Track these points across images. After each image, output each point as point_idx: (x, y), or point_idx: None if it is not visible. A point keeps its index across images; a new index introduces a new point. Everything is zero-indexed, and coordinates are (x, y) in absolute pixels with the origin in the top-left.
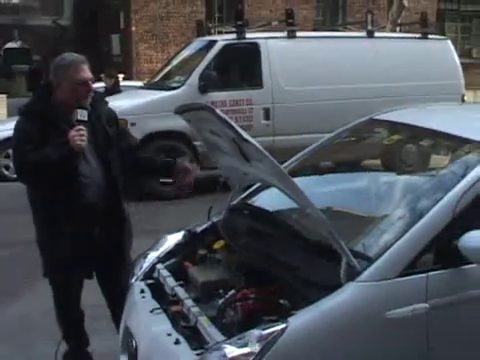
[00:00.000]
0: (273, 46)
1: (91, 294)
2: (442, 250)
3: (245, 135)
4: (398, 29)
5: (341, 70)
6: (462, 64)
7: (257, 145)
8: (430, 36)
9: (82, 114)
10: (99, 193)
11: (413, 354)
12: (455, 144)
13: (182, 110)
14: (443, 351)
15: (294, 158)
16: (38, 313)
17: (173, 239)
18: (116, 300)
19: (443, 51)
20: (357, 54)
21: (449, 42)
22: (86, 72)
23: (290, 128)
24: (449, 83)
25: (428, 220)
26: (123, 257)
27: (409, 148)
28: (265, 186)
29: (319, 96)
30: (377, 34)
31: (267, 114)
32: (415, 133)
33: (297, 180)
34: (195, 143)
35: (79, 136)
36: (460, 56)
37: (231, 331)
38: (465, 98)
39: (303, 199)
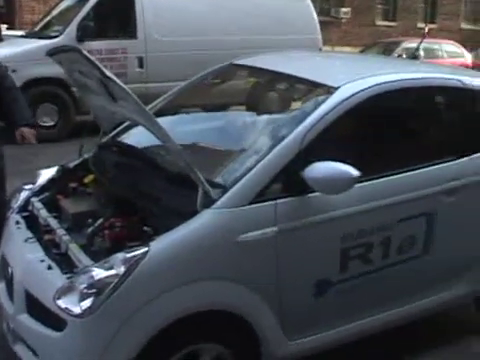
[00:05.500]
0: None
1: None
2: (289, 180)
3: (109, 73)
4: None
5: (210, 23)
6: (321, 22)
7: (121, 84)
8: None
9: None
10: None
11: (264, 274)
12: (307, 87)
13: (53, 52)
14: (290, 270)
15: (160, 99)
16: None
17: (47, 174)
18: None
19: (303, 8)
20: (225, 9)
21: (308, 0)
22: None
23: (162, 76)
24: (308, 37)
25: (277, 153)
26: None
27: (266, 91)
28: (132, 125)
29: (189, 46)
30: None
31: (141, 63)
32: (272, 77)
33: (162, 119)
34: (73, 89)
35: None
36: (319, 14)
37: (99, 257)
38: None
39: (163, 135)
